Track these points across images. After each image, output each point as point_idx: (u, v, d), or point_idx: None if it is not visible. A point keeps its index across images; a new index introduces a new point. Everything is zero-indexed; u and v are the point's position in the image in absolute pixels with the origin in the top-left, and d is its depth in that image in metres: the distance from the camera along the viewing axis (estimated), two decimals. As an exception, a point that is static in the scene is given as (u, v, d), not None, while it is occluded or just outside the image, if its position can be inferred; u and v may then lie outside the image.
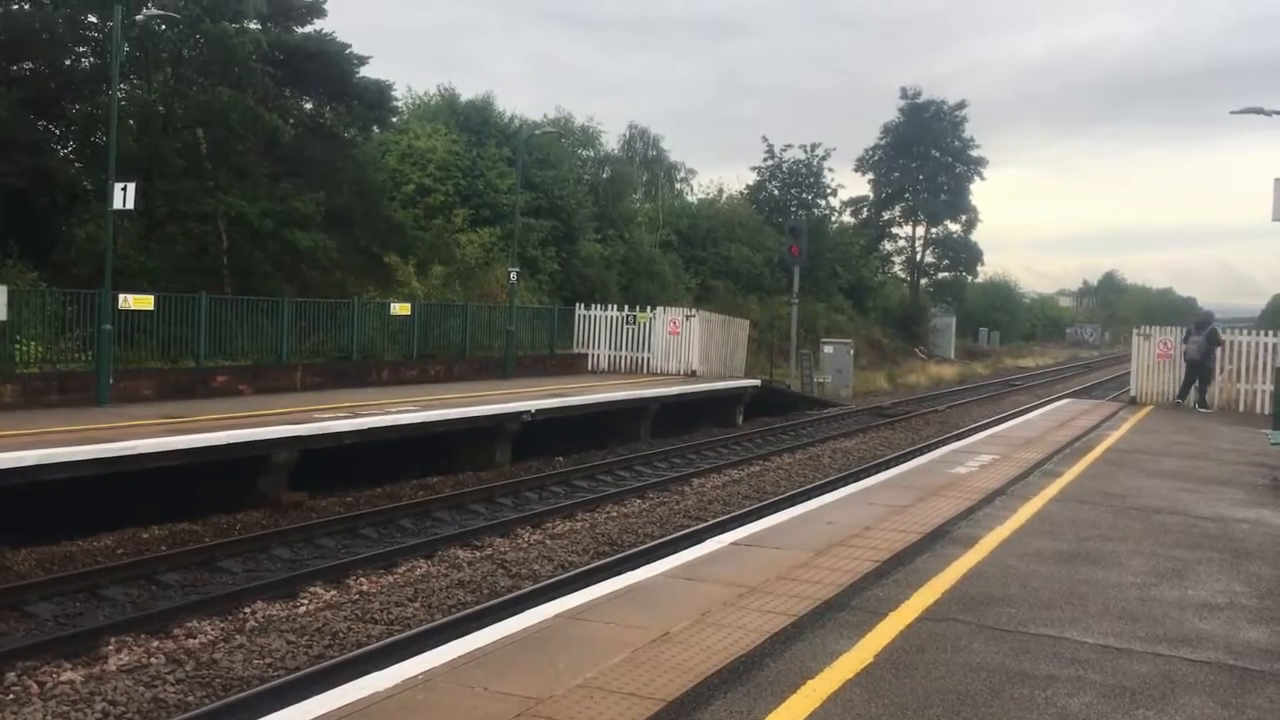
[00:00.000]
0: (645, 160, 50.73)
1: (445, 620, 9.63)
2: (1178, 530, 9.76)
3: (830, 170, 52.89)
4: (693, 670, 5.49)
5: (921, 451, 19.81)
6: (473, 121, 33.70)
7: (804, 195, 52.86)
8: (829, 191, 53.62)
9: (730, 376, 28.53)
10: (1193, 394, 22.74)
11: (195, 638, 9.26)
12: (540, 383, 23.55)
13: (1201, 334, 22.66)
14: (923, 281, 63.72)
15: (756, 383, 28.20)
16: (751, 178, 53.83)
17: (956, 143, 61.06)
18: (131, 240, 20.57)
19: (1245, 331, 23.85)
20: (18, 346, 15.99)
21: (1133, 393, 24.33)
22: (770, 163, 53.10)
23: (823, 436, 24.83)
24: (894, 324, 56.57)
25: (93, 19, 21.05)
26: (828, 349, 35.62)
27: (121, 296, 16.62)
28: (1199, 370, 22.64)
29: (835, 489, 13.63)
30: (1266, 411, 20.67)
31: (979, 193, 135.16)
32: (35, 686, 7.99)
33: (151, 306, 17.39)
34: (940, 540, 8.92)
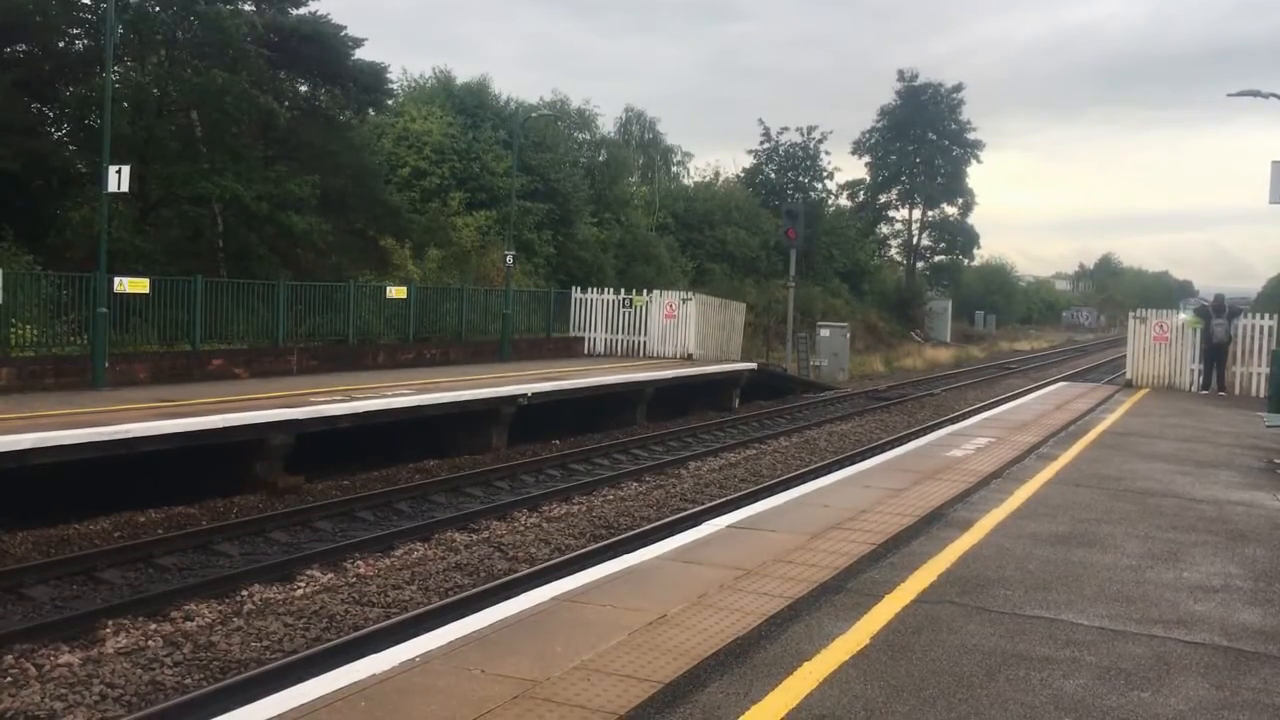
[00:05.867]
0: (641, 143, 50.63)
1: (442, 603, 9.64)
2: (1173, 513, 9.78)
3: (827, 153, 52.96)
4: (690, 652, 5.50)
5: (918, 435, 19.82)
6: (468, 104, 33.59)
7: (801, 178, 52.83)
8: (825, 175, 53.65)
9: (726, 360, 28.52)
10: (1213, 379, 22.75)
11: (193, 620, 9.26)
12: (536, 366, 23.54)
13: (1223, 315, 22.65)
14: (919, 265, 63.78)
15: (753, 366, 28.20)
16: (748, 161, 53.85)
17: (953, 126, 61.03)
18: (126, 223, 20.50)
19: (1242, 315, 23.90)
20: (12, 330, 15.94)
21: (1128, 376, 24.36)
22: (767, 146, 53.08)
23: (819, 420, 24.85)
24: (890, 307, 56.56)
25: (86, 0, 20.93)
26: (824, 332, 35.62)
27: (117, 280, 16.57)
28: (1224, 354, 22.63)
29: (831, 472, 13.65)
30: (1262, 394, 20.72)
31: (975, 176, 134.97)
32: (33, 669, 8.00)
33: (147, 290, 17.35)
34: (936, 523, 8.94)
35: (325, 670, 5.53)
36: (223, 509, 13.04)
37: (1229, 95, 22.49)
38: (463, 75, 36.27)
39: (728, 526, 8.74)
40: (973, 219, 63.43)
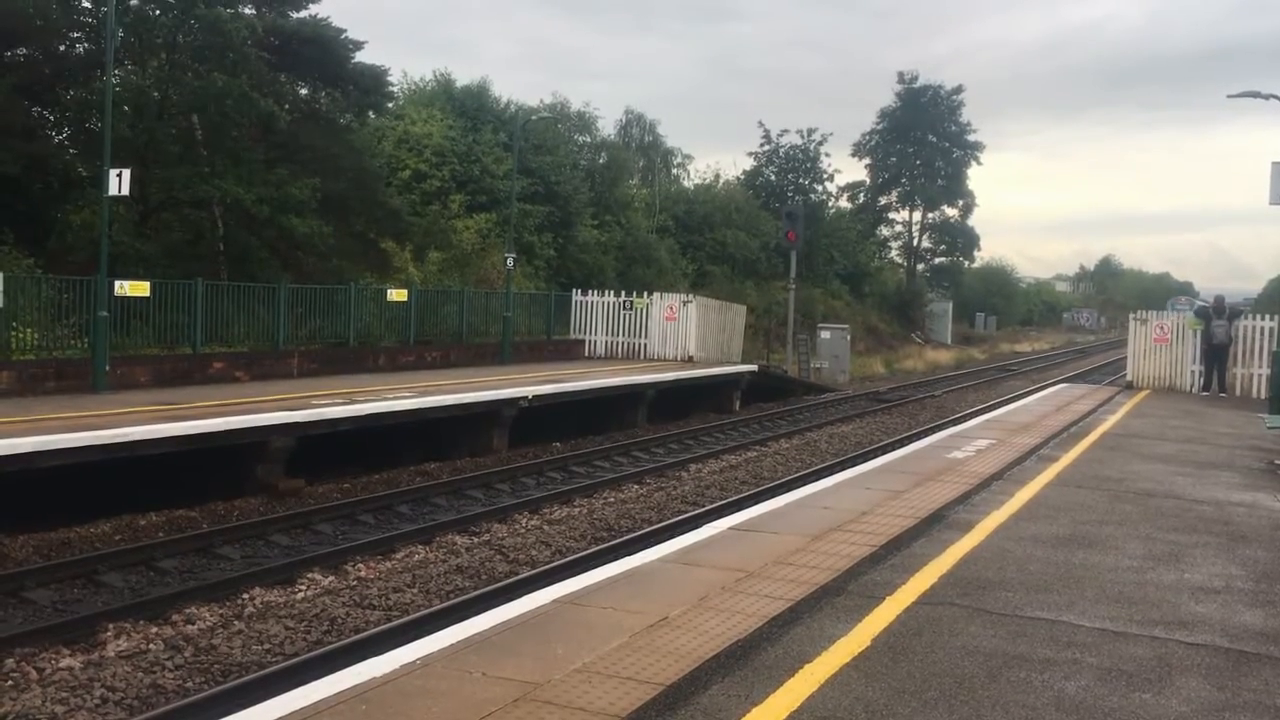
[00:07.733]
0: (642, 145, 50.58)
1: (443, 606, 9.64)
2: (1174, 514, 9.78)
3: (827, 155, 52.75)
4: (691, 655, 5.50)
5: (918, 436, 19.82)
6: (468, 107, 33.61)
7: (801, 180, 52.73)
8: (826, 177, 53.52)
9: (727, 362, 28.53)
10: (1214, 380, 22.74)
11: (194, 624, 9.26)
12: (537, 368, 23.55)
13: (1223, 317, 22.64)
14: (919, 267, 63.76)
15: (753, 368, 28.21)
16: (748, 163, 53.73)
17: (953, 127, 61.06)
18: (127, 227, 20.51)
19: (1242, 316, 23.90)
20: (14, 333, 15.95)
21: (1129, 377, 24.36)
22: (767, 148, 52.95)
23: (819, 422, 24.84)
24: (891, 309, 56.57)
25: (87, 4, 20.96)
26: (824, 334, 35.62)
27: (117, 283, 16.59)
28: (1224, 355, 22.63)
29: (832, 474, 13.64)
30: (1263, 396, 20.72)
31: (975, 177, 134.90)
32: (34, 673, 8.00)
33: (147, 293, 17.36)
34: (937, 525, 8.94)
35: (326, 673, 5.53)
36: (224, 512, 13.05)
37: (1229, 96, 22.48)
38: (462, 77, 36.40)
39: (729, 528, 8.74)
40: (973, 220, 63.55)
